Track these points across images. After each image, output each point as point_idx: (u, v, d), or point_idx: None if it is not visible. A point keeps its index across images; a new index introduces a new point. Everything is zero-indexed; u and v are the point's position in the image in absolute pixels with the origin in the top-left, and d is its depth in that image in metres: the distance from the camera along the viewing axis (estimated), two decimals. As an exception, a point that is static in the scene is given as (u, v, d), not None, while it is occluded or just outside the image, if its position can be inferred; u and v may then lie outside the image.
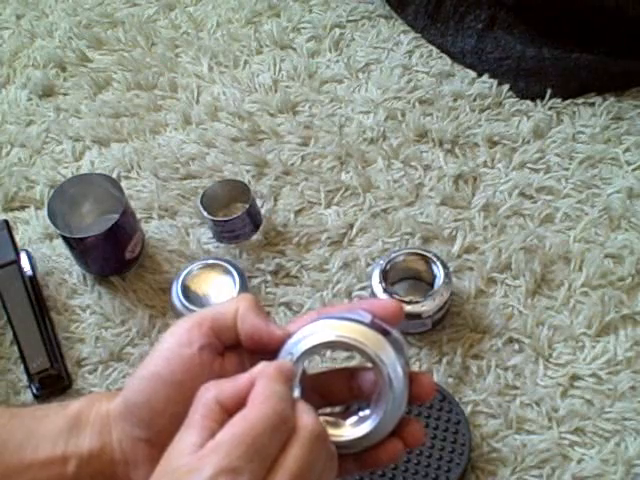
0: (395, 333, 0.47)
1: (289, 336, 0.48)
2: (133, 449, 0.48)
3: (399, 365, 0.46)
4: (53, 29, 1.08)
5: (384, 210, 0.88)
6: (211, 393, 0.44)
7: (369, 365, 0.47)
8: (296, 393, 0.46)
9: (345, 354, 0.76)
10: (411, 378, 0.47)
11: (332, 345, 0.48)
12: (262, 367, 0.45)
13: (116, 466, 0.48)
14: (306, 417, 0.43)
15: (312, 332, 0.47)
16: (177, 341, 0.48)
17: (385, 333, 0.47)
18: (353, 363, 0.74)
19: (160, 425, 0.47)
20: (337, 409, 0.50)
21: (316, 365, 0.75)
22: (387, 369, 0.46)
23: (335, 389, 0.51)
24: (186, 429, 0.43)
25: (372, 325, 0.47)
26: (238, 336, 0.49)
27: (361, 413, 0.48)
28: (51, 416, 0.50)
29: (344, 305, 0.55)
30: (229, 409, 0.43)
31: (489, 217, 0.86)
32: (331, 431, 0.46)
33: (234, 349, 0.49)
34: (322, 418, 0.47)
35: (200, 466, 0.40)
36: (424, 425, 0.71)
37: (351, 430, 0.47)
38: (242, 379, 0.44)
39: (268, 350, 0.48)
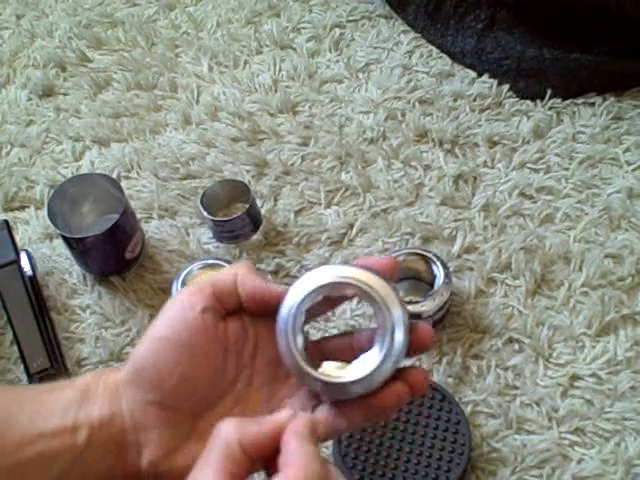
0: (392, 282, 0.49)
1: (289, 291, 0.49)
2: (144, 413, 0.49)
3: (401, 308, 0.48)
4: (53, 29, 1.08)
5: (384, 210, 0.88)
6: (233, 436, 0.43)
7: (369, 307, 0.49)
8: (299, 342, 0.48)
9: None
10: (411, 327, 0.49)
11: (336, 286, 0.49)
12: (288, 418, 0.44)
13: (127, 433, 0.49)
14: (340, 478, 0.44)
15: (315, 276, 0.49)
16: (180, 306, 0.50)
17: (386, 280, 0.48)
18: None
19: (169, 386, 0.49)
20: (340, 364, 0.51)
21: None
22: (390, 309, 0.47)
23: (337, 351, 0.52)
24: (206, 468, 0.43)
25: (373, 271, 0.48)
26: (239, 300, 0.50)
27: (363, 356, 0.49)
28: (59, 390, 0.51)
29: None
30: (251, 455, 0.43)
31: (489, 217, 0.86)
32: (337, 372, 0.48)
33: (236, 314, 0.51)
34: (329, 363, 0.49)
35: None
36: (424, 425, 0.72)
37: (355, 371, 0.48)
38: (266, 427, 0.44)
39: (270, 309, 0.49)
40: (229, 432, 0.44)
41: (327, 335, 0.56)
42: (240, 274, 0.51)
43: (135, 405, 0.49)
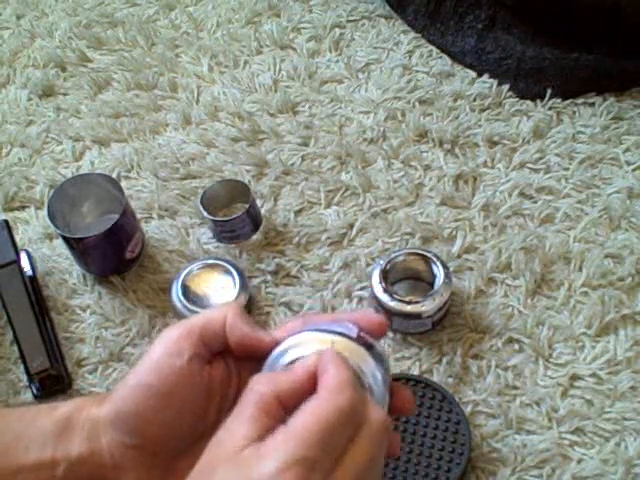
0: (378, 347, 0.49)
1: (277, 344, 0.48)
2: (123, 455, 0.48)
3: (379, 374, 0.47)
4: (53, 29, 1.08)
5: (384, 210, 0.88)
6: (268, 388, 0.43)
7: None
8: None
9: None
10: (393, 390, 0.48)
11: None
12: (316, 359, 0.45)
13: (105, 470, 0.49)
14: (377, 411, 0.43)
15: (298, 343, 0.48)
16: (167, 351, 0.49)
17: (369, 347, 0.47)
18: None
19: (150, 432, 0.48)
20: None
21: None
22: (367, 378, 0.46)
23: None
24: (239, 420, 0.43)
25: (357, 339, 0.47)
26: (226, 343, 0.50)
27: None
28: (40, 419, 0.50)
29: (330, 315, 0.56)
30: (287, 406, 0.43)
31: (489, 217, 0.86)
32: None
33: (220, 355, 0.50)
34: None
35: (271, 454, 0.40)
36: (424, 425, 0.72)
37: None
38: (298, 373, 0.44)
39: (257, 356, 0.49)
40: (263, 387, 0.44)
41: None
42: (229, 319, 0.50)
43: (115, 446, 0.48)
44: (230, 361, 0.51)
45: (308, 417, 0.42)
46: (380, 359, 0.48)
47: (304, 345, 0.48)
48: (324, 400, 0.42)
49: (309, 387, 0.44)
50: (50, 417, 0.50)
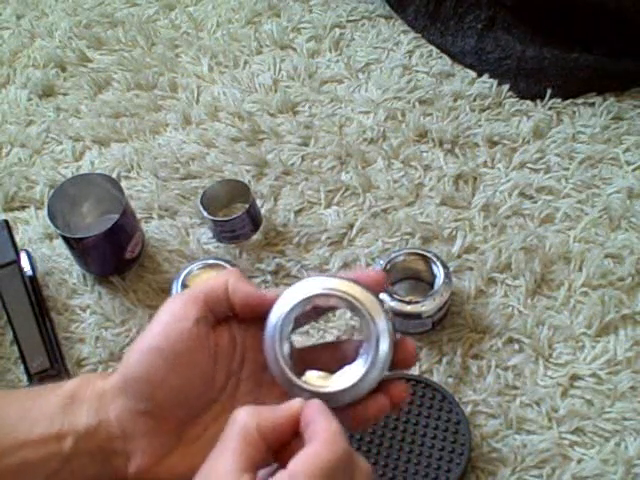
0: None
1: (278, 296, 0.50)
2: (132, 422, 0.49)
3: (386, 320, 0.48)
4: (53, 29, 1.08)
5: (384, 210, 0.88)
6: (251, 420, 0.44)
7: (355, 319, 0.50)
8: (285, 350, 0.49)
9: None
10: (396, 343, 0.50)
11: (323, 297, 0.50)
12: (301, 405, 0.46)
13: (114, 441, 0.49)
14: (363, 459, 0.45)
15: (303, 286, 0.49)
16: (174, 315, 0.50)
17: (377, 296, 0.49)
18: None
19: (160, 397, 0.49)
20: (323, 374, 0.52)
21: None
22: (375, 320, 0.48)
23: (321, 360, 0.53)
24: (226, 452, 0.43)
25: (367, 288, 0.49)
26: (230, 307, 0.51)
27: (347, 367, 0.50)
28: (45, 396, 0.51)
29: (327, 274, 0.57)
30: (268, 440, 0.44)
31: (489, 217, 0.86)
32: (321, 383, 0.49)
33: (225, 322, 0.51)
34: (312, 372, 0.49)
35: None
36: (424, 425, 0.72)
37: (341, 381, 0.49)
38: (282, 412, 0.45)
39: (261, 314, 0.50)
40: (246, 418, 0.44)
41: (311, 344, 0.56)
42: (231, 282, 0.51)
43: (124, 414, 0.49)
44: (234, 328, 0.52)
45: (308, 463, 0.42)
46: (386, 307, 0.49)
47: (307, 288, 0.49)
48: (323, 448, 0.43)
49: (291, 429, 0.45)
50: (55, 393, 0.51)
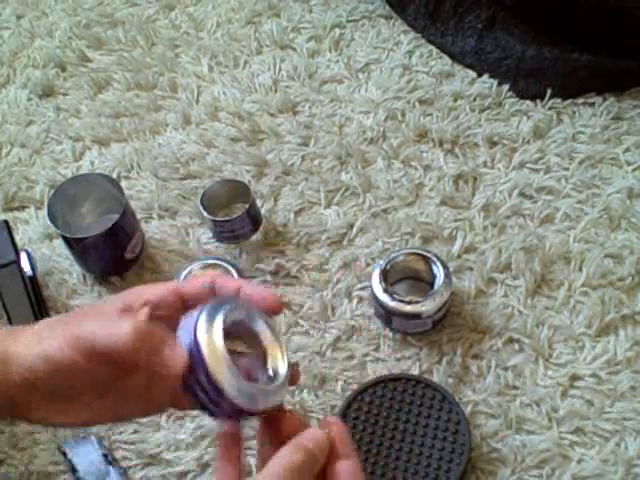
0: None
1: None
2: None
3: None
4: (53, 29, 1.08)
5: (384, 210, 0.88)
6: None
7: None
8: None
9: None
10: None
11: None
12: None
13: (14, 388, 0.50)
14: None
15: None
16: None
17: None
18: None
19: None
20: None
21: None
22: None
23: None
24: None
25: None
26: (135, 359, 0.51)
27: None
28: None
29: (236, 283, 0.55)
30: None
31: (489, 217, 0.86)
32: None
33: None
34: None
35: None
36: (424, 425, 0.72)
37: None
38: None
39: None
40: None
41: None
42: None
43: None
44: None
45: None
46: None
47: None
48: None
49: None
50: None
